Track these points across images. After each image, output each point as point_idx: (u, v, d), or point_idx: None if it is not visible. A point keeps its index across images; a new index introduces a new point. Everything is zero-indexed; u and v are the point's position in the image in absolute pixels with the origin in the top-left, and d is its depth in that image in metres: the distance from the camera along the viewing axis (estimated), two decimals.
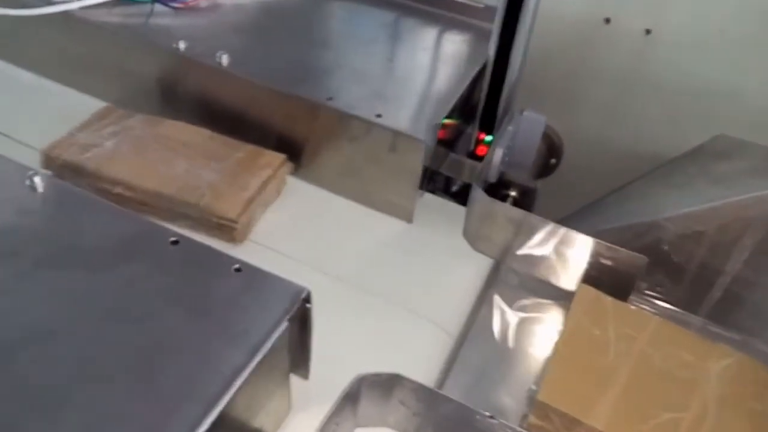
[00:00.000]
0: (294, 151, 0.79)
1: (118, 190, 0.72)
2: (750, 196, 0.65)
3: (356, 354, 0.64)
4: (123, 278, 0.53)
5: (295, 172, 0.80)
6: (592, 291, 0.69)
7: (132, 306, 0.51)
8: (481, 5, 0.87)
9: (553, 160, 1.06)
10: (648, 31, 0.89)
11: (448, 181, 0.92)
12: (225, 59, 0.77)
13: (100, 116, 0.81)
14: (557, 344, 0.64)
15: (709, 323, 0.74)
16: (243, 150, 0.78)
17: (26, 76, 0.92)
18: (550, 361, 0.62)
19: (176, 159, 0.76)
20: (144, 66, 0.82)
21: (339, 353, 0.63)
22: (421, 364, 0.66)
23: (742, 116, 0.87)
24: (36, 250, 0.54)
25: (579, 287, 0.69)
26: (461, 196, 0.92)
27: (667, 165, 0.86)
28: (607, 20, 0.90)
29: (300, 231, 0.76)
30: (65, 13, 0.82)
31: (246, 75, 0.77)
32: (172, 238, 0.56)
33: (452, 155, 0.87)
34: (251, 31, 0.85)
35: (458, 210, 0.83)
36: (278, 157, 0.78)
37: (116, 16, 0.84)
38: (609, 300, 0.67)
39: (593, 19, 0.91)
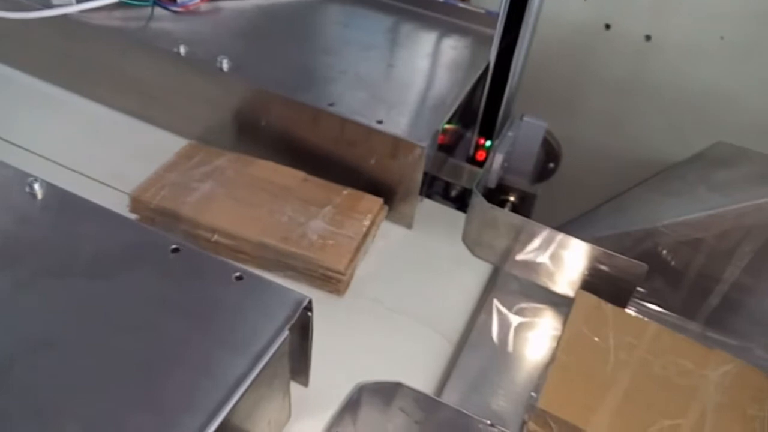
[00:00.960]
0: (291, 154, 0.79)
1: (216, 238, 0.69)
2: (749, 204, 0.65)
3: (355, 361, 0.65)
4: (123, 287, 0.53)
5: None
6: (591, 297, 0.69)
7: (132, 315, 0.51)
8: (482, 10, 0.87)
9: (551, 165, 1.06)
10: (648, 37, 0.89)
11: (447, 185, 0.92)
12: (225, 64, 0.77)
13: (186, 155, 0.78)
14: (556, 351, 0.64)
15: (707, 329, 0.74)
16: (340, 194, 0.75)
17: (24, 79, 0.92)
18: (549, 369, 0.63)
19: (274, 204, 0.72)
20: (144, 70, 0.82)
21: (338, 360, 0.63)
22: (421, 371, 0.66)
23: (741, 122, 0.87)
24: (35, 259, 0.54)
25: (578, 294, 0.70)
26: (460, 201, 0.93)
27: (666, 172, 0.87)
28: (608, 26, 0.90)
29: None
30: (64, 17, 0.82)
31: (247, 80, 0.77)
32: (173, 246, 0.56)
33: (451, 160, 0.87)
34: (252, 35, 0.85)
35: (457, 215, 0.83)
36: (377, 202, 0.75)
37: (116, 19, 0.84)
38: (608, 307, 0.68)
39: (594, 25, 0.91)
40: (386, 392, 0.56)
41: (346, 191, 0.76)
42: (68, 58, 0.87)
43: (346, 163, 0.77)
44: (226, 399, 0.46)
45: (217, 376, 0.48)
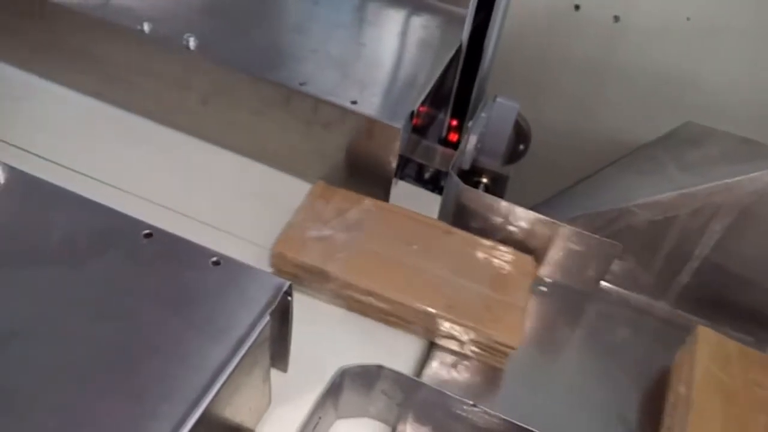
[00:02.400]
0: (265, 138, 0.77)
1: (370, 300, 0.65)
2: (719, 183, 0.66)
3: (332, 345, 0.64)
4: (96, 274, 0.51)
5: (264, 159, 0.79)
6: (712, 334, 0.65)
7: (106, 303, 0.50)
8: None
9: (521, 147, 1.06)
10: (617, 18, 0.90)
11: (420, 168, 0.92)
12: (192, 42, 0.75)
13: (321, 195, 0.73)
14: (687, 392, 0.60)
15: (677, 309, 0.76)
16: (489, 250, 0.71)
17: None
18: (684, 412, 0.59)
19: (427, 262, 0.68)
20: (105, 49, 0.79)
21: (315, 345, 0.62)
22: (400, 354, 0.66)
23: (708, 103, 0.89)
24: (1, 247, 0.52)
25: (699, 330, 0.65)
26: (433, 183, 0.92)
27: (637, 152, 0.88)
28: (577, 7, 0.91)
29: (277, 220, 0.74)
30: None
31: (214, 58, 0.74)
32: (145, 231, 0.54)
33: (424, 142, 0.87)
34: (218, 13, 0.82)
35: (431, 197, 0.83)
36: (529, 262, 0.71)
37: None
38: (732, 344, 0.65)
39: (563, 6, 0.91)
40: (368, 375, 0.55)
41: (491, 244, 0.71)
42: (24, 37, 0.83)
43: (318, 145, 0.76)
44: (208, 387, 0.45)
45: (198, 364, 0.46)
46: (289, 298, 0.53)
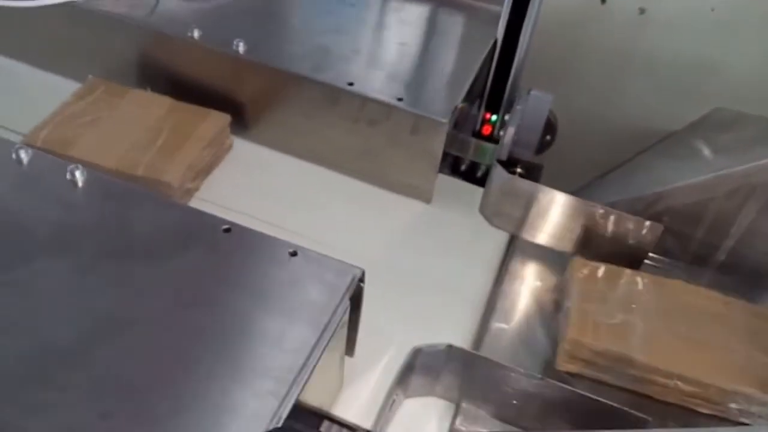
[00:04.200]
0: (312, 137, 0.80)
1: (676, 383, 0.63)
2: (754, 165, 0.69)
3: (389, 329, 0.66)
4: (183, 267, 0.54)
5: (310, 157, 0.83)
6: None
7: (197, 293, 0.53)
8: None
9: (548, 137, 1.10)
10: (642, 11, 0.93)
11: (456, 160, 0.95)
12: (242, 46, 0.78)
13: (585, 276, 0.71)
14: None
15: (715, 284, 0.79)
16: None
17: (28, 72, 0.90)
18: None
19: (719, 338, 0.66)
20: (158, 55, 0.82)
21: (372, 330, 0.65)
22: (452, 336, 0.68)
23: (731, 91, 0.92)
24: (91, 244, 0.55)
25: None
26: (469, 175, 0.95)
27: (670, 139, 0.91)
28: (603, 0, 0.94)
29: (327, 218, 0.77)
30: (71, 4, 0.81)
31: (264, 61, 0.78)
32: (224, 226, 0.58)
33: (460, 135, 0.90)
34: (261, 17, 0.85)
35: (470, 188, 0.86)
36: None
37: (123, 6, 0.83)
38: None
39: (590, 0, 0.95)
40: (439, 354, 0.59)
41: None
42: (75, 47, 0.86)
43: (365, 142, 0.79)
44: (302, 368, 0.48)
45: (290, 347, 0.49)
46: (362, 284, 0.56)
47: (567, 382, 0.59)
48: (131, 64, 0.84)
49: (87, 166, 0.63)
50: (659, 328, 0.66)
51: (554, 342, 0.68)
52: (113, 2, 0.83)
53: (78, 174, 0.59)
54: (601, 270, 0.71)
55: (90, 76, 0.83)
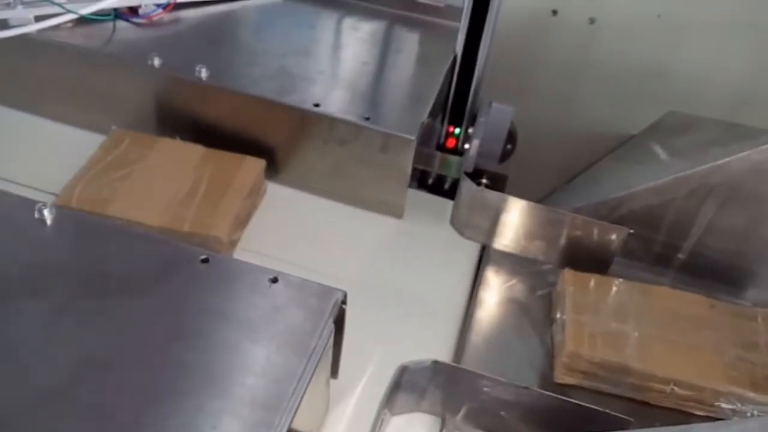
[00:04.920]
0: (279, 158, 0.80)
1: (672, 389, 0.65)
2: (712, 165, 0.72)
3: (368, 348, 0.67)
4: (162, 300, 0.54)
5: (280, 178, 0.82)
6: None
7: (179, 327, 0.52)
8: (442, 4, 0.91)
9: (508, 147, 1.12)
10: (592, 20, 0.96)
11: (423, 174, 0.96)
12: (204, 72, 0.77)
13: (578, 287, 0.72)
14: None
15: (678, 282, 0.81)
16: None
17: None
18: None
19: (708, 341, 0.68)
20: (117, 85, 0.81)
21: (355, 349, 0.65)
22: (433, 349, 0.69)
23: (682, 93, 0.96)
24: (65, 283, 0.54)
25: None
26: (435, 188, 0.97)
27: (628, 144, 0.94)
28: (554, 12, 0.97)
29: (296, 237, 0.78)
30: (24, 36, 0.79)
31: (228, 87, 0.77)
32: (202, 256, 0.57)
33: (426, 150, 0.91)
34: (222, 42, 0.85)
35: (439, 201, 0.87)
36: None
37: (79, 36, 0.82)
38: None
39: (541, 11, 0.97)
40: (425, 370, 0.59)
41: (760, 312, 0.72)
42: (31, 79, 0.84)
43: (334, 162, 0.79)
44: (292, 396, 0.48)
45: (280, 376, 0.49)
46: (344, 306, 0.56)
47: (565, 394, 0.60)
48: (93, 95, 0.83)
49: (128, 224, 0.65)
50: (651, 335, 0.68)
51: (533, 349, 0.70)
52: (68, 33, 0.82)
53: (46, 212, 0.58)
54: (592, 281, 0.72)
55: (113, 127, 0.79)
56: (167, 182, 0.74)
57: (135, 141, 0.78)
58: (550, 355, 0.69)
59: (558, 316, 0.71)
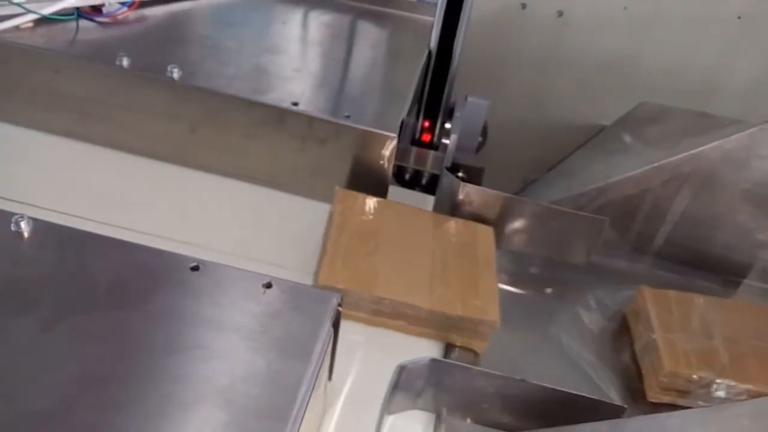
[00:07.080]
0: (260, 159, 0.79)
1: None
2: (686, 154, 0.74)
3: (354, 349, 0.67)
4: (154, 311, 0.52)
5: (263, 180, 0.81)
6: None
7: (176, 337, 0.51)
8: None
9: (480, 139, 1.13)
10: (560, 13, 0.97)
11: (400, 170, 0.96)
12: (176, 73, 0.75)
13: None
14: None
15: (655, 268, 0.84)
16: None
17: None
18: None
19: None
20: (84, 87, 0.78)
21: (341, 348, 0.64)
22: (422, 347, 0.69)
23: (650, 84, 0.98)
24: (50, 298, 0.51)
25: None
26: (413, 183, 0.97)
27: (603, 134, 0.96)
28: (524, 5, 0.98)
29: (286, 239, 0.76)
30: None
31: (203, 87, 0.75)
32: (191, 264, 0.55)
33: (403, 145, 0.91)
34: (192, 41, 0.83)
35: (419, 197, 0.87)
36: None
37: (41, 37, 0.78)
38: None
39: (511, 5, 0.98)
40: (423, 369, 0.59)
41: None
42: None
43: (314, 161, 0.78)
44: (297, 402, 0.47)
45: (283, 382, 0.48)
46: (340, 308, 0.56)
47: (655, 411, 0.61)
48: (59, 98, 0.79)
49: (399, 306, 0.66)
50: (740, 349, 0.68)
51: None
52: (29, 35, 0.78)
53: (23, 224, 0.56)
54: (673, 298, 0.73)
55: (336, 188, 0.75)
56: (416, 257, 0.71)
57: (362, 205, 0.75)
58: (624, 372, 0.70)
59: (642, 334, 0.71)
